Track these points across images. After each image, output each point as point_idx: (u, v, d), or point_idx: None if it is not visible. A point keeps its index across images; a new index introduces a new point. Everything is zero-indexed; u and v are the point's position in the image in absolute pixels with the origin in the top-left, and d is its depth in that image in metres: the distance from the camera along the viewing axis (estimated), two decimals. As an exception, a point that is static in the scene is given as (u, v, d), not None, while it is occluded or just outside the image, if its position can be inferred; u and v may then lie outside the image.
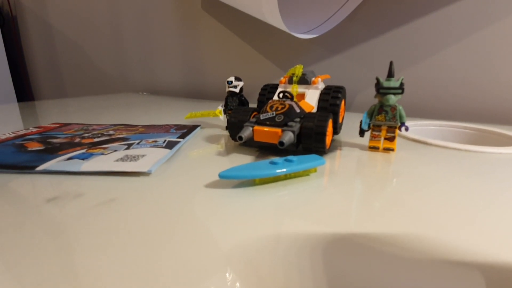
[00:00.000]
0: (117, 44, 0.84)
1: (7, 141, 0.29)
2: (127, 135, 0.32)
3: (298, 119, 0.25)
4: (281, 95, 0.28)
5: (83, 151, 0.26)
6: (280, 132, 0.24)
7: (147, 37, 0.78)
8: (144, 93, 0.80)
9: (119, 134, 0.32)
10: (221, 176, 0.18)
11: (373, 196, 0.18)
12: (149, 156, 0.24)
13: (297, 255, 0.12)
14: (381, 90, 0.25)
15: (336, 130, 0.30)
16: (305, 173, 0.21)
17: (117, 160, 0.22)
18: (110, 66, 0.89)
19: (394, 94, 0.24)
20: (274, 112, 0.25)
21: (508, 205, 0.17)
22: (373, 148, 0.27)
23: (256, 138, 0.25)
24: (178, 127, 0.36)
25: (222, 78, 0.69)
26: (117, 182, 0.19)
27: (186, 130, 0.34)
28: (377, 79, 0.25)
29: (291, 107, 0.25)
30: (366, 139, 0.31)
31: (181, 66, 0.75)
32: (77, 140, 0.30)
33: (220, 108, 0.35)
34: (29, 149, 0.26)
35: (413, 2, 0.45)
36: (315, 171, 0.21)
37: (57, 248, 0.12)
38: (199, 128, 0.36)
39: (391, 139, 0.26)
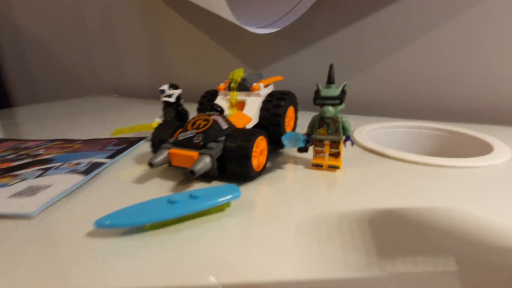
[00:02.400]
0: (85, 47, 0.80)
1: None
2: (56, 154, 0.29)
3: (223, 138, 0.21)
4: (209, 107, 0.25)
5: (-14, 181, 0.22)
6: (196, 156, 0.20)
7: (112, 37, 0.73)
8: (115, 95, 0.77)
9: (47, 154, 0.29)
10: (97, 224, 0.15)
11: (291, 241, 0.14)
12: (54, 187, 0.20)
13: None
14: (317, 100, 0.21)
15: (281, 142, 0.26)
16: (217, 209, 0.18)
17: (11, 196, 0.19)
18: (81, 68, 0.85)
19: (332, 105, 0.21)
20: (194, 131, 0.21)
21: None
22: (317, 166, 0.23)
23: (174, 163, 0.21)
24: (120, 141, 0.32)
25: (191, 77, 0.65)
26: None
27: (125, 146, 0.30)
28: (317, 86, 0.21)
29: (214, 123, 0.22)
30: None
31: (149, 66, 0.71)
32: None
33: (158, 119, 0.31)
34: None
35: (383, -13, 0.41)
36: (229, 206, 0.18)
37: None
38: (143, 141, 0.32)
39: (336, 155, 0.23)
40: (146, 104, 0.59)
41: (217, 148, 0.20)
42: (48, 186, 0.21)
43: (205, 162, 0.19)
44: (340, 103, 0.20)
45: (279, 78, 0.31)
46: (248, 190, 0.20)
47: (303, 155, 0.26)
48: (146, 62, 0.71)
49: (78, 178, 0.22)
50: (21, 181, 0.22)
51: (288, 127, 0.28)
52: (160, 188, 0.21)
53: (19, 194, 0.20)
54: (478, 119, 0.38)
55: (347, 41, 0.45)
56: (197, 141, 0.21)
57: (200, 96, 0.30)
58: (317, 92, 0.21)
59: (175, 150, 0.21)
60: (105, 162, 0.26)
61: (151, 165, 0.20)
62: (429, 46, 0.40)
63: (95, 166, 0.25)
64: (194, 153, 0.20)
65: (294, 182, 0.22)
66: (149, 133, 0.35)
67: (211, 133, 0.21)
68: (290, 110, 0.28)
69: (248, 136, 0.20)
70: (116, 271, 0.13)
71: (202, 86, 0.37)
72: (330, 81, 0.21)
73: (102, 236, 0.15)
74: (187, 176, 0.23)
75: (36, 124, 0.45)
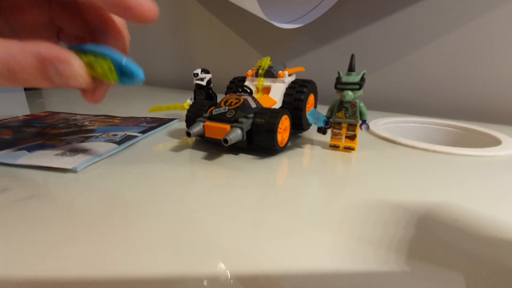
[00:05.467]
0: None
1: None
2: (98, 126, 0.32)
3: (252, 115, 0.24)
4: (240, 89, 0.27)
5: (40, 142, 0.26)
6: (228, 128, 0.23)
7: (139, 28, 0.78)
8: (140, 84, 0.81)
9: (91, 126, 0.32)
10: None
11: (295, 210, 0.17)
12: (91, 151, 0.24)
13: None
14: (338, 85, 0.23)
15: (302, 126, 0.29)
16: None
17: (57, 154, 0.23)
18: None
19: (352, 90, 0.23)
20: (226, 107, 0.24)
21: (461, 206, 0.16)
22: (334, 147, 0.26)
23: (207, 134, 0.24)
24: (152, 120, 0.36)
25: (213, 69, 0.68)
26: (44, 177, 0.19)
27: (156, 124, 0.34)
28: (338, 73, 0.24)
29: (245, 101, 0.24)
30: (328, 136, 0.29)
31: (174, 58, 0.74)
32: (47, 130, 0.30)
33: (189, 101, 0.34)
34: (-2, 137, 0.27)
35: (405, -11, 0.42)
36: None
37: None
38: (175, 121, 0.35)
39: (352, 137, 0.25)
40: (172, 92, 0.63)
41: (247, 122, 0.23)
42: (87, 150, 0.24)
43: (237, 133, 0.22)
44: (359, 89, 0.23)
45: (301, 69, 0.34)
46: (272, 161, 0.23)
47: (321, 138, 0.29)
48: (172, 53, 0.75)
49: (112, 146, 0.25)
50: (66, 144, 0.26)
51: (308, 113, 0.30)
52: (190, 158, 0.24)
53: (63, 154, 0.23)
54: (490, 118, 0.40)
55: (365, 40, 0.47)
56: (230, 116, 0.23)
57: (229, 81, 0.33)
58: (338, 78, 0.24)
59: (210, 123, 0.24)
60: (137, 136, 0.29)
61: (188, 134, 0.23)
62: (443, 48, 0.41)
63: (128, 138, 0.28)
64: (226, 126, 0.23)
65: (312, 158, 0.24)
66: (180, 114, 0.39)
67: (242, 110, 0.24)
68: (311, 97, 0.30)
69: (275, 113, 0.23)
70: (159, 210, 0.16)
71: (224, 77, 0.40)
72: (351, 69, 0.23)
73: (141, 189, 0.18)
74: (221, 145, 0.25)
75: (81, 102, 0.49)
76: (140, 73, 0.17)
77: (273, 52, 0.58)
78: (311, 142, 0.28)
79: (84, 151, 0.24)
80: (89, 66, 0.17)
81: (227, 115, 0.24)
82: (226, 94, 0.32)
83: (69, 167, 0.20)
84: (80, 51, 0.17)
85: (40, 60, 0.15)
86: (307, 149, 0.26)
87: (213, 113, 0.24)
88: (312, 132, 0.32)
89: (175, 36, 0.72)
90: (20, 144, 0.25)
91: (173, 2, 0.70)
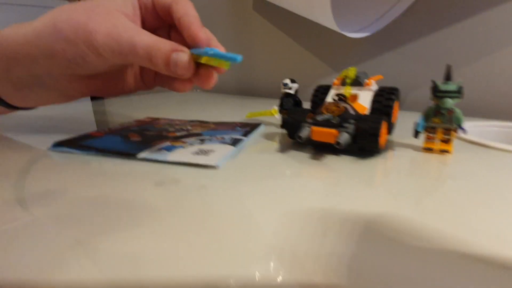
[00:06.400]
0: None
1: (116, 131, 0.36)
2: (201, 131, 0.37)
3: (353, 121, 0.27)
4: (336, 97, 0.31)
5: (168, 143, 0.31)
6: (336, 132, 0.26)
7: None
8: (198, 90, 0.88)
9: (194, 130, 0.37)
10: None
11: (422, 196, 0.20)
12: (217, 152, 0.28)
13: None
14: (438, 93, 0.26)
15: (389, 131, 0.31)
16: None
17: (192, 153, 0.27)
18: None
19: (451, 98, 0.25)
20: (330, 115, 0.28)
21: None
22: (428, 150, 0.28)
23: (314, 138, 0.28)
24: (242, 125, 0.40)
25: (272, 77, 0.72)
26: (196, 172, 0.24)
27: (249, 129, 0.38)
28: (434, 82, 0.26)
29: (346, 109, 0.28)
30: (417, 140, 0.31)
31: (234, 66, 0.80)
32: (164, 133, 0.36)
33: (276, 108, 0.38)
34: (131, 139, 0.33)
35: (478, -5, 0.43)
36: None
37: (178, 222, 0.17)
38: (262, 126, 0.39)
39: (447, 141, 0.27)
40: (234, 99, 0.68)
41: (351, 127, 0.26)
42: (213, 151, 0.29)
43: (346, 137, 0.25)
44: (459, 96, 0.25)
45: (380, 77, 0.36)
46: (373, 161, 0.26)
47: (408, 141, 0.31)
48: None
49: (230, 148, 0.29)
50: (191, 145, 0.30)
51: (394, 118, 0.33)
52: (292, 157, 0.28)
53: (197, 153, 0.28)
54: None
55: (433, 46, 0.48)
56: (336, 122, 0.27)
57: (313, 89, 0.36)
58: (435, 86, 0.26)
59: (317, 128, 0.27)
60: (242, 139, 0.33)
61: (299, 137, 0.27)
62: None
63: (237, 140, 0.32)
64: (333, 131, 0.26)
65: (409, 158, 0.27)
66: (261, 119, 0.43)
67: (345, 116, 0.27)
68: (396, 104, 0.33)
69: (378, 119, 0.26)
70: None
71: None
72: (448, 78, 0.26)
73: (273, 178, 0.22)
74: (333, 148, 0.29)
75: (160, 108, 0.56)
76: (237, 57, 0.23)
77: (334, 60, 0.60)
78: (399, 144, 0.31)
79: (212, 151, 0.28)
80: (206, 61, 0.24)
81: (333, 121, 0.27)
82: (312, 100, 0.36)
83: (213, 164, 0.25)
84: (198, 53, 0.24)
85: (172, 49, 0.22)
86: (402, 152, 0.29)
87: (319, 119, 0.28)
88: (397, 136, 0.34)
89: (236, 46, 0.78)
90: (154, 145, 0.30)
91: (237, 14, 0.75)
